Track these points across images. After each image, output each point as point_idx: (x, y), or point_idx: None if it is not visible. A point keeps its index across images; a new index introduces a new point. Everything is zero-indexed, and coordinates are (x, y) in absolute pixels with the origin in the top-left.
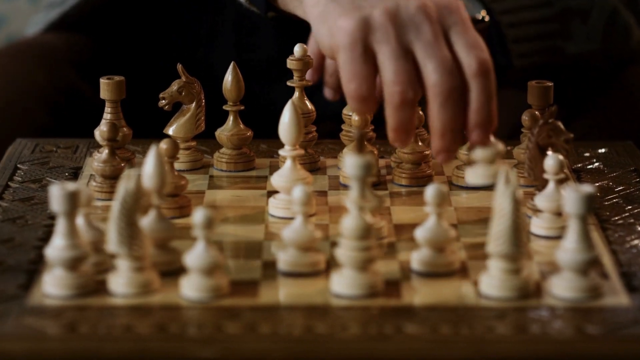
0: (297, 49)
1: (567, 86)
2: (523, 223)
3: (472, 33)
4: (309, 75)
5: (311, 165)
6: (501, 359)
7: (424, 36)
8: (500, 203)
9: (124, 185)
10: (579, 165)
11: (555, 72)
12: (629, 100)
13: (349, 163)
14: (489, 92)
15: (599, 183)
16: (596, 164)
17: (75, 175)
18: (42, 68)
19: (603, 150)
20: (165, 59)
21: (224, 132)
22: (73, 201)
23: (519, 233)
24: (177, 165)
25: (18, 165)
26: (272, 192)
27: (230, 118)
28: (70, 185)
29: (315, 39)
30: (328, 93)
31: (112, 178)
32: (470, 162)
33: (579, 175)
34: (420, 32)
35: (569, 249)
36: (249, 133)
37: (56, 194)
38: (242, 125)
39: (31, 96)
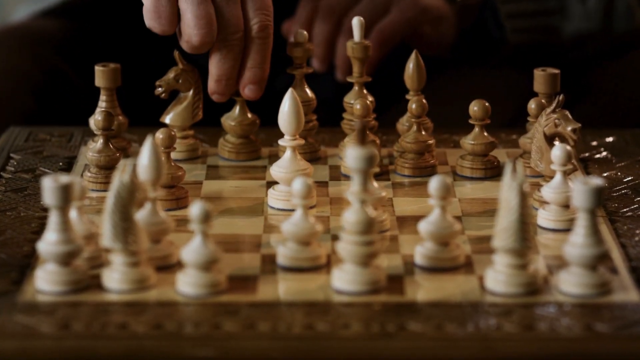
0: (297, 35)
1: (567, 68)
2: (530, 217)
3: None
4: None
5: (311, 154)
6: (507, 358)
7: None
8: (507, 196)
9: (119, 178)
10: (586, 154)
11: (552, 52)
12: (633, 86)
13: (351, 155)
14: (265, 54)
15: (607, 173)
16: (604, 153)
17: (69, 165)
18: (27, 54)
19: (611, 138)
20: (162, 45)
21: (228, 120)
22: (66, 194)
23: (525, 227)
24: (174, 155)
25: (11, 155)
26: (271, 183)
27: (237, 106)
28: (63, 178)
29: None
30: (315, 64)
31: (107, 168)
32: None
33: (587, 165)
34: None
35: (577, 244)
36: (257, 121)
37: (49, 186)
38: (249, 114)
39: (16, 82)
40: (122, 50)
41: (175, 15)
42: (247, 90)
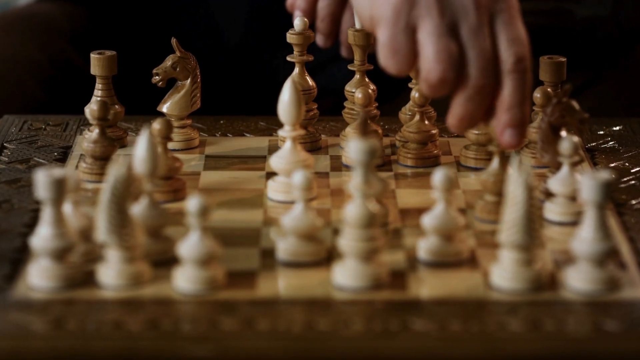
0: (298, 22)
1: (577, 54)
2: (537, 211)
3: (516, 25)
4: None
5: (312, 144)
6: (513, 358)
7: (469, 20)
8: (513, 191)
9: (115, 171)
10: (593, 144)
11: (563, 37)
12: None
13: (353, 147)
14: (523, 91)
15: (614, 164)
16: (611, 143)
17: (64, 155)
18: (35, 40)
19: (618, 127)
20: (167, 31)
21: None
22: (60, 188)
23: (532, 222)
24: (171, 145)
25: (5, 144)
26: (271, 174)
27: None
28: (57, 172)
29: (354, 8)
30: (319, 39)
31: (102, 159)
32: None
33: (593, 155)
34: (466, 15)
35: (585, 239)
36: None
37: (42, 180)
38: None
39: (24, 70)
40: (123, 34)
41: (414, 52)
42: (507, 136)
